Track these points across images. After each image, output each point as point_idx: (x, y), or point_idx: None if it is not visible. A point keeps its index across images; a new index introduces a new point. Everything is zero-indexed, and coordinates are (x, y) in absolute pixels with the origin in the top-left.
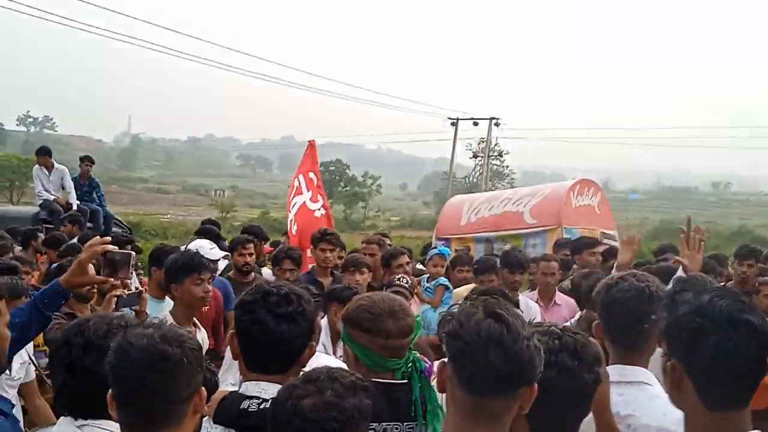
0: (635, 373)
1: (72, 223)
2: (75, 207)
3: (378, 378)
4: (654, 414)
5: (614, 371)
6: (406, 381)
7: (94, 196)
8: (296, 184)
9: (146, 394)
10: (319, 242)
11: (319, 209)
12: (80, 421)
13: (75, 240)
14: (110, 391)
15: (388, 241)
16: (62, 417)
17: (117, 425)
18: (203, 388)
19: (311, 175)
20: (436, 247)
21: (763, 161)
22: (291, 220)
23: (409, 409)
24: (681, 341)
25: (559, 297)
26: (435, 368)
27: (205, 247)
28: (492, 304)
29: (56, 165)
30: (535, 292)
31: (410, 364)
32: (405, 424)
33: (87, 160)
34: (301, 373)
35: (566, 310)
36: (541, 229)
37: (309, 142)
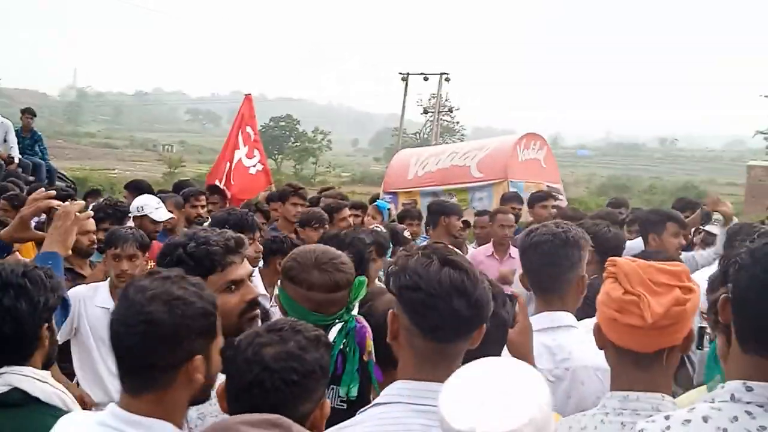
0: (561, 318)
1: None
2: (17, 161)
3: None
4: (588, 355)
5: (542, 319)
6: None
7: (37, 149)
8: (234, 138)
9: (126, 354)
10: (291, 196)
11: (254, 165)
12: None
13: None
14: None
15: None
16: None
17: (42, 372)
18: (198, 356)
19: (248, 129)
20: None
21: (709, 118)
22: (229, 174)
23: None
24: (737, 285)
25: (513, 250)
26: (368, 331)
27: (151, 206)
28: (444, 251)
29: (0, 119)
30: (489, 245)
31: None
32: None
33: (28, 113)
34: None
35: (519, 263)
36: (488, 182)
37: (245, 95)
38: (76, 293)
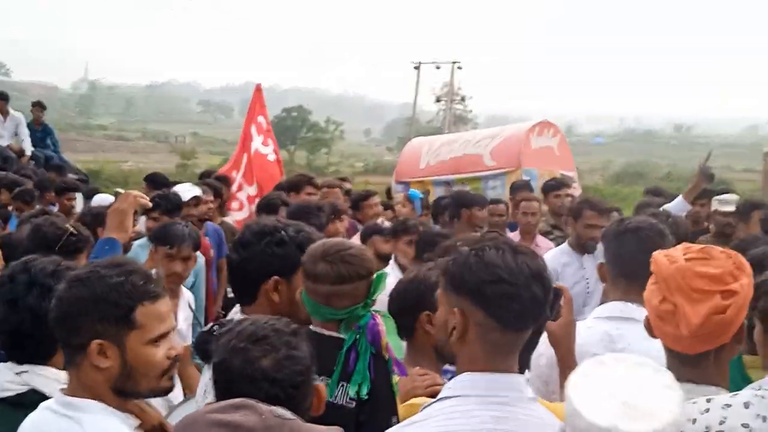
0: (632, 311)
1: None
2: (29, 153)
3: (318, 327)
4: (648, 349)
5: (613, 307)
6: (340, 335)
7: (48, 142)
8: (250, 130)
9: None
10: (305, 186)
11: (270, 153)
12: (20, 367)
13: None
14: None
15: (348, 185)
16: (2, 364)
17: (62, 373)
18: (98, 341)
19: (260, 119)
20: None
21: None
22: (249, 165)
23: (331, 365)
24: None
25: (539, 239)
26: (382, 327)
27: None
28: (508, 240)
29: (12, 112)
30: (516, 233)
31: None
32: (321, 377)
33: (38, 106)
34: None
35: (545, 252)
36: (501, 171)
37: (256, 86)
38: None
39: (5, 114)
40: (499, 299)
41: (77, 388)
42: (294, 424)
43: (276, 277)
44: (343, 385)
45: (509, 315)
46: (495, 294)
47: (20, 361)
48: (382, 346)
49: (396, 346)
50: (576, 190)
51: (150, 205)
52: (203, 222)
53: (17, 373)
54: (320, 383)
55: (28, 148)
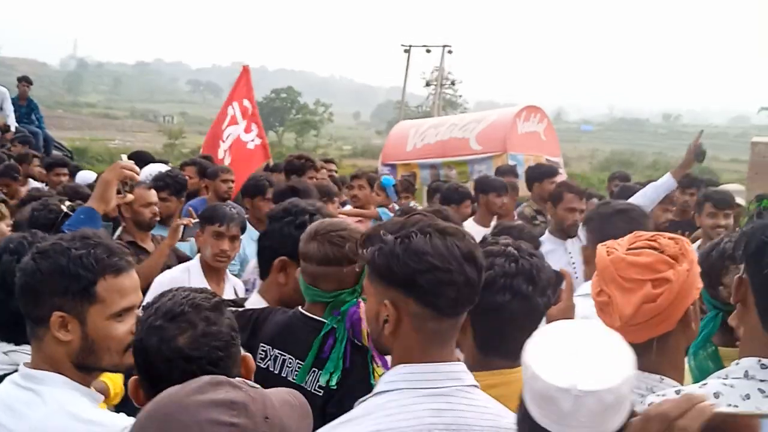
0: None
1: (22, 143)
2: (13, 129)
3: (305, 309)
4: None
5: None
6: (321, 319)
7: (33, 117)
8: (230, 112)
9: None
10: (309, 170)
11: (252, 140)
12: (8, 346)
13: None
14: None
15: (333, 167)
16: None
17: None
18: (59, 313)
19: (246, 102)
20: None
21: (713, 94)
22: (225, 151)
23: (306, 348)
24: (748, 256)
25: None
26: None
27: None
28: (432, 221)
29: None
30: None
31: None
32: (296, 360)
33: (25, 81)
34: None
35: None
36: (487, 155)
37: (243, 67)
38: (171, 280)
39: None
40: (433, 288)
41: (39, 361)
42: (263, 392)
43: (284, 258)
44: (314, 372)
45: (444, 302)
46: (428, 283)
47: (8, 340)
48: (363, 335)
49: None
50: (562, 176)
51: (137, 177)
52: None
53: (4, 352)
54: (246, 354)
55: (13, 124)
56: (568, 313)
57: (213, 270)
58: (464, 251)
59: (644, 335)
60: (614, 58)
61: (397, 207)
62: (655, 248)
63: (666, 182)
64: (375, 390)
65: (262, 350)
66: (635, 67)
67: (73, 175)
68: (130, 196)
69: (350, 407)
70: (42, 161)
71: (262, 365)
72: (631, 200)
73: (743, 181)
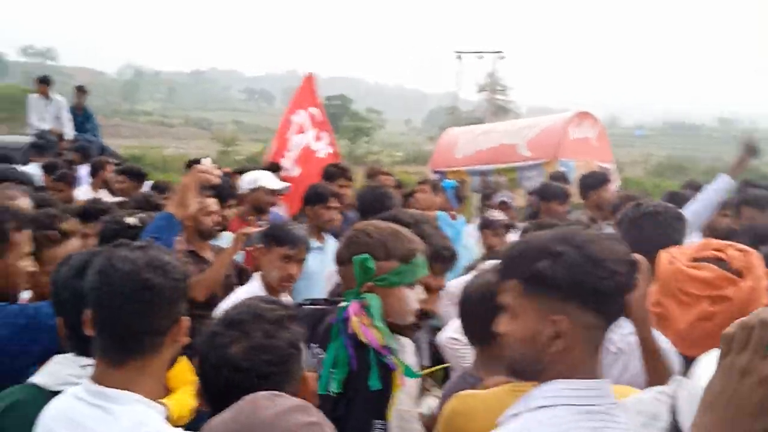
0: None
1: (77, 151)
2: (71, 137)
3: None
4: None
5: None
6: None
7: (87, 126)
8: (296, 120)
9: (123, 323)
10: (339, 178)
11: (323, 149)
12: (84, 360)
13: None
14: (88, 311)
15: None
16: (62, 355)
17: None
18: (184, 317)
19: (313, 110)
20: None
21: None
22: (293, 161)
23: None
24: None
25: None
26: (356, 311)
27: (265, 177)
28: (581, 228)
29: (54, 96)
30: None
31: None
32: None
33: (80, 90)
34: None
35: None
36: (537, 161)
37: (307, 75)
38: None
39: (48, 98)
40: (612, 294)
41: (134, 376)
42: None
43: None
44: (331, 372)
45: (616, 309)
46: (609, 290)
47: (86, 354)
48: (355, 331)
49: (384, 333)
50: (614, 183)
51: (216, 180)
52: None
53: (81, 366)
54: (310, 373)
55: (70, 132)
56: (644, 300)
57: (274, 292)
58: (626, 255)
59: (700, 351)
60: (669, 62)
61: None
62: (720, 259)
63: (723, 183)
64: (531, 404)
65: (313, 350)
66: (690, 71)
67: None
68: (209, 201)
69: (358, 413)
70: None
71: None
72: (689, 207)
73: None
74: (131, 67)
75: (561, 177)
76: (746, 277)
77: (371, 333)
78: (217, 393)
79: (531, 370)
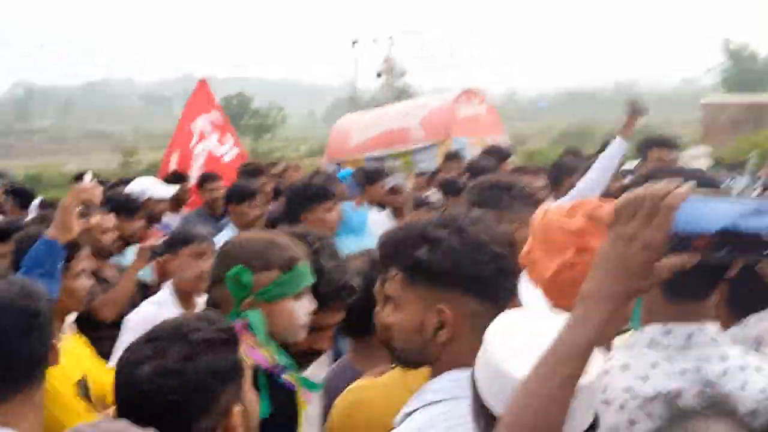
0: None
1: None
2: None
3: None
4: None
5: None
6: None
7: None
8: (196, 128)
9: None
10: (259, 175)
11: (227, 152)
12: None
13: None
14: None
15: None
16: None
17: None
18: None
19: (214, 114)
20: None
21: (662, 59)
22: (199, 169)
23: None
24: None
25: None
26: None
27: (149, 186)
28: (461, 212)
29: None
30: None
31: None
32: None
33: None
34: None
35: None
36: (430, 142)
37: (199, 81)
38: (144, 319)
39: None
40: (495, 279)
41: (20, 410)
42: None
43: None
44: None
45: (503, 293)
46: (491, 275)
47: None
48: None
49: (274, 350)
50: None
51: (97, 198)
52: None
53: None
54: (239, 408)
55: None
56: None
57: (187, 296)
58: (507, 237)
59: (565, 302)
60: (563, 33)
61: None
62: (592, 214)
63: (618, 147)
64: (424, 399)
65: None
66: (585, 39)
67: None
68: (94, 219)
69: None
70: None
71: None
72: (588, 176)
73: (696, 142)
74: (21, 85)
75: (456, 156)
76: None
77: (258, 353)
78: (130, 417)
79: (419, 360)
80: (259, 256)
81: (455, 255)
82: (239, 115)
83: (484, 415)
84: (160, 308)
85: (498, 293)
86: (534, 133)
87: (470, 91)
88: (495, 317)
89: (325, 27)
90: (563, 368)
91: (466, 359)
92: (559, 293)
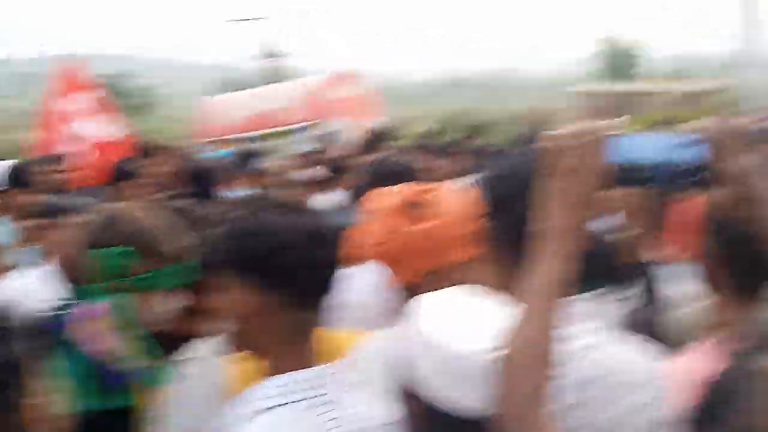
0: None
1: None
2: None
3: None
4: None
5: None
6: None
7: None
8: (69, 108)
9: None
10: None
11: (113, 132)
12: None
13: None
14: None
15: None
16: None
17: None
18: None
19: (86, 94)
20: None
21: (536, 48)
22: (79, 149)
23: None
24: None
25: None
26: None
27: None
28: (273, 198)
29: None
30: None
31: None
32: None
33: None
34: None
35: None
36: (304, 124)
37: (73, 59)
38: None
39: None
40: (291, 270)
41: None
42: None
43: None
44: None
45: (312, 288)
46: (283, 265)
47: None
48: (85, 338)
49: (132, 342)
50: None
51: None
52: None
53: None
54: (31, 402)
55: None
56: None
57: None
58: (314, 228)
59: (398, 272)
60: (444, 21)
61: None
62: (417, 197)
63: None
64: (246, 409)
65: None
66: (468, 26)
67: None
68: None
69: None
70: None
71: None
72: None
73: None
74: None
75: (328, 138)
76: (429, 215)
77: (104, 340)
78: None
79: (240, 346)
80: (148, 241)
81: (243, 240)
82: (118, 95)
83: (413, 397)
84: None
85: (306, 287)
86: (419, 117)
87: (347, 73)
88: (300, 316)
89: (207, 5)
90: (547, 302)
91: (285, 362)
92: (389, 265)
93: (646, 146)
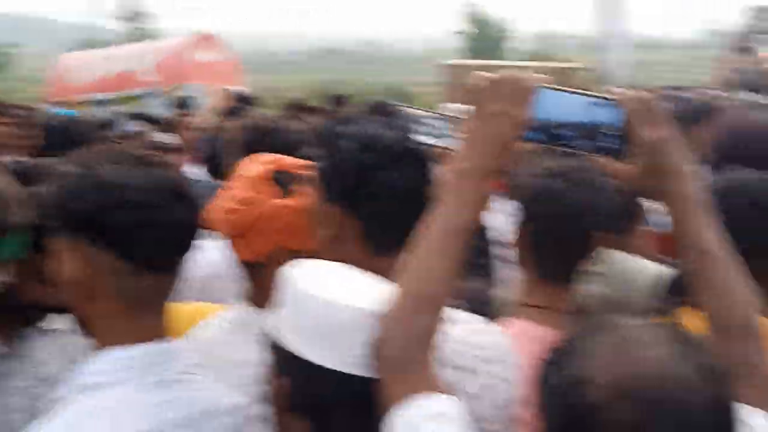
0: None
1: None
2: None
3: None
4: None
5: None
6: None
7: None
8: None
9: None
10: None
11: None
12: None
13: None
14: None
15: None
16: None
17: None
18: None
19: None
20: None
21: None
22: None
23: None
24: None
25: None
26: None
27: None
28: (135, 152)
29: None
30: None
31: None
32: None
33: None
34: None
35: None
36: (160, 87)
37: None
38: None
39: None
40: (129, 231)
41: None
42: None
43: None
44: None
45: (145, 250)
46: (121, 224)
47: None
48: None
49: None
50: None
51: None
52: None
53: None
54: None
55: None
56: None
57: None
58: (171, 184)
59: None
60: None
61: None
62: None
63: None
64: (78, 383)
65: None
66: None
67: None
68: None
69: None
70: None
71: None
72: None
73: (439, 103)
74: None
75: (184, 103)
76: (297, 191)
77: None
78: None
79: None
80: None
81: (76, 196)
82: None
83: (294, 366)
84: None
85: (137, 250)
86: (288, 87)
87: (208, 36)
88: (144, 282)
89: None
90: (443, 242)
91: (120, 330)
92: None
93: (569, 104)
